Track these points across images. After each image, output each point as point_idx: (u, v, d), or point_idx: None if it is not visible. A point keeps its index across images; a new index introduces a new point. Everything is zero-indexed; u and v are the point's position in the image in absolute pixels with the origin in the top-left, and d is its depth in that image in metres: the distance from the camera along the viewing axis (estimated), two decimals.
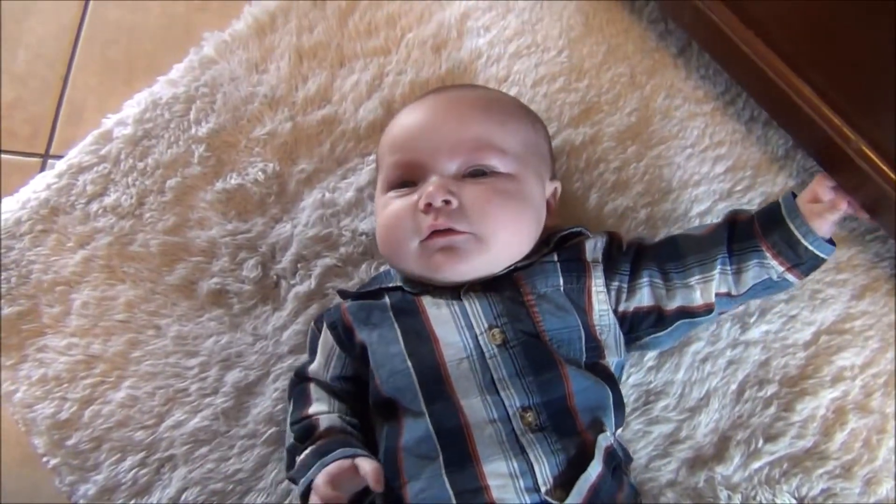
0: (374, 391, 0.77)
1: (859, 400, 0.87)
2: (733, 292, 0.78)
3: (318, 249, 0.96)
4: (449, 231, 0.75)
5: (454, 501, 0.69)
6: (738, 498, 0.84)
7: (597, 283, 0.78)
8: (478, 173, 0.78)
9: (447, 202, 0.75)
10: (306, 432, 0.77)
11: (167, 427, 0.92)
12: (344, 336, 0.80)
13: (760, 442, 0.86)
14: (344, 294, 0.86)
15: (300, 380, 0.84)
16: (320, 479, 0.70)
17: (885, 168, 0.69)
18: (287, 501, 0.89)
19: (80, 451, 0.92)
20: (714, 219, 0.92)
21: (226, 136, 1.01)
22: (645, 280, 0.79)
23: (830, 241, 0.76)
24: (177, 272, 0.97)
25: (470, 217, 0.75)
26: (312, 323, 0.87)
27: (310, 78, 1.02)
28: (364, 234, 0.96)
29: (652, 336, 0.81)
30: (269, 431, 0.91)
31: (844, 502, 0.84)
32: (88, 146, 1.02)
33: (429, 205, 0.75)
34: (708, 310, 0.78)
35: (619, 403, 0.77)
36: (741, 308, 0.89)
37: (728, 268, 0.77)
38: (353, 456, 0.71)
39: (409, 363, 0.74)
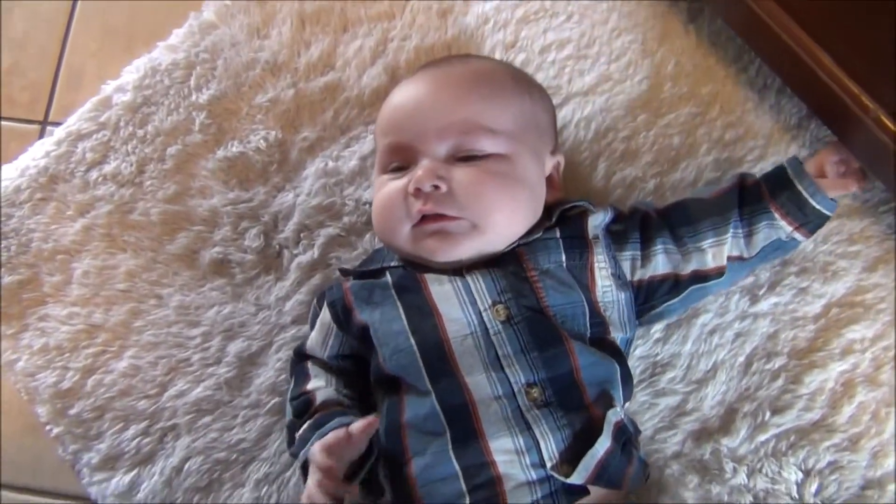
0: (375, 369, 0.76)
1: (868, 373, 0.86)
2: (745, 255, 0.79)
3: (321, 219, 0.95)
4: (439, 216, 0.74)
5: (461, 477, 0.68)
6: (743, 470, 0.84)
7: (598, 260, 0.77)
8: (471, 157, 0.75)
9: (436, 187, 0.73)
10: (304, 407, 0.77)
11: (170, 396, 0.92)
12: (342, 316, 0.79)
13: (767, 414, 0.85)
14: (345, 272, 0.85)
15: (299, 358, 0.84)
16: (316, 447, 0.70)
17: None
18: (290, 471, 0.89)
19: (82, 420, 0.92)
20: None
21: (227, 103, 0.99)
22: (659, 247, 0.78)
23: (834, 200, 0.79)
24: (178, 241, 0.96)
25: (460, 202, 0.73)
26: (315, 299, 0.86)
27: (312, 43, 1.00)
28: (368, 203, 0.94)
29: (666, 304, 0.80)
30: (272, 401, 0.90)
31: (851, 475, 0.83)
32: (87, 113, 1.01)
33: (419, 189, 0.74)
34: (719, 273, 0.78)
35: (627, 378, 0.76)
36: (750, 280, 0.88)
37: (740, 231, 0.78)
38: (348, 424, 0.70)
39: (413, 341, 0.73)
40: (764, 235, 0.78)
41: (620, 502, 0.72)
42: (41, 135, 1.05)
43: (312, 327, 0.83)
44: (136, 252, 0.96)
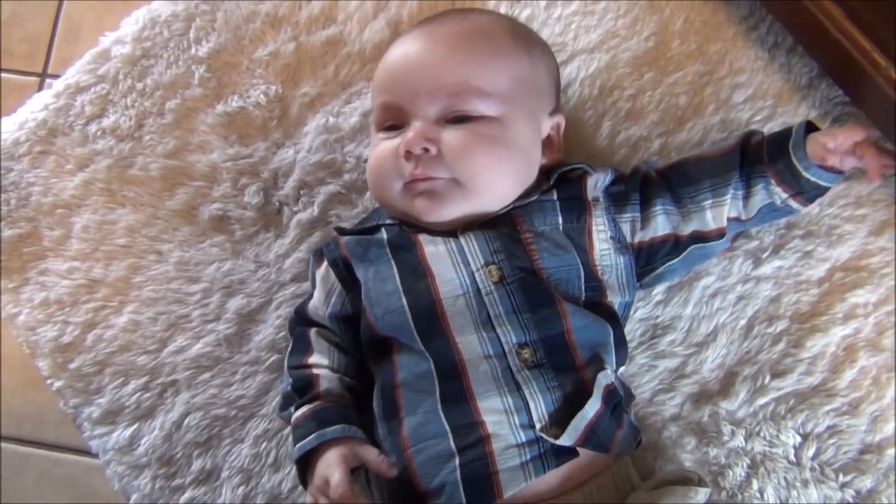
0: (366, 329, 0.76)
1: (871, 338, 0.85)
2: (742, 216, 0.78)
3: (322, 176, 0.94)
4: (427, 178, 0.74)
5: (450, 436, 0.69)
6: (741, 433, 0.84)
7: (597, 223, 0.76)
8: (463, 118, 0.74)
9: (426, 150, 0.73)
10: (305, 385, 0.77)
11: (169, 352, 0.92)
12: (346, 272, 0.79)
13: (767, 378, 0.84)
14: (342, 231, 0.84)
15: (301, 319, 0.83)
16: (330, 466, 0.70)
17: None
18: (289, 428, 0.89)
19: (83, 375, 0.93)
20: None
21: (227, 57, 0.98)
22: (658, 208, 0.77)
23: (841, 171, 0.76)
24: (177, 197, 0.95)
25: (449, 164, 0.73)
26: (311, 256, 0.85)
27: None
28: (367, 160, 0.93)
29: (667, 264, 0.79)
30: (272, 358, 0.90)
31: (849, 439, 0.83)
32: (86, 65, 0.99)
33: (409, 152, 0.73)
34: (720, 234, 0.77)
35: (621, 342, 0.76)
36: (755, 242, 0.87)
37: (739, 192, 0.77)
38: (353, 437, 0.71)
39: (405, 301, 0.73)
40: (760, 198, 0.77)
41: (609, 466, 0.72)
42: (40, 87, 1.04)
43: (313, 286, 0.83)
44: (135, 207, 0.96)
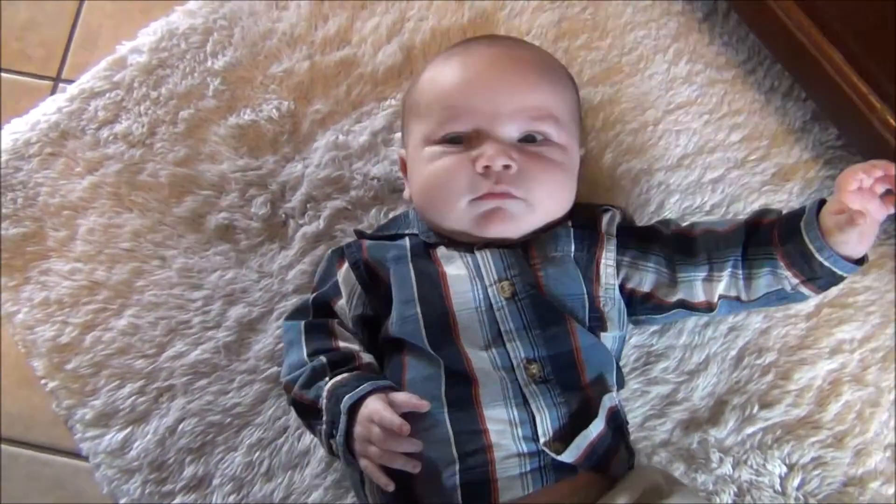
0: (384, 330, 0.77)
1: (856, 373, 0.88)
2: (743, 297, 0.77)
3: (329, 191, 0.96)
4: (503, 194, 0.75)
5: (452, 441, 0.69)
6: (729, 461, 0.86)
7: (607, 257, 0.78)
8: (530, 139, 0.78)
9: (507, 167, 0.75)
10: (344, 358, 0.75)
11: (168, 357, 0.92)
12: (366, 275, 0.80)
13: (756, 408, 0.87)
14: (361, 234, 0.86)
15: (318, 308, 0.81)
16: (375, 402, 0.68)
17: None
18: (283, 438, 0.89)
19: (79, 376, 0.93)
20: (726, 187, 0.92)
21: (242, 71, 1.00)
22: (651, 265, 0.79)
23: (861, 260, 0.72)
24: (185, 204, 0.97)
25: (525, 184, 0.75)
26: (329, 252, 0.86)
27: (330, 18, 1.01)
28: (376, 178, 0.95)
29: (647, 316, 0.82)
30: (270, 368, 0.91)
31: (833, 472, 0.85)
32: (102, 72, 1.01)
33: (488, 167, 0.74)
34: (709, 308, 0.78)
35: (619, 373, 0.78)
36: None
37: (739, 272, 0.75)
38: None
39: (419, 309, 0.74)
40: (766, 282, 0.74)
41: (602, 488, 0.71)
42: (53, 91, 1.06)
43: (322, 281, 0.83)
44: (142, 212, 0.97)
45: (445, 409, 0.70)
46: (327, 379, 0.73)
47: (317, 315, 0.81)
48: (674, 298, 0.78)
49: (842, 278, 0.73)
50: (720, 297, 0.77)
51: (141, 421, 0.91)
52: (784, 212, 0.77)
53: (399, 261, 0.78)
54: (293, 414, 0.88)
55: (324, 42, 1.00)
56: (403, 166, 0.87)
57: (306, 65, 1.00)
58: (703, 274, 0.77)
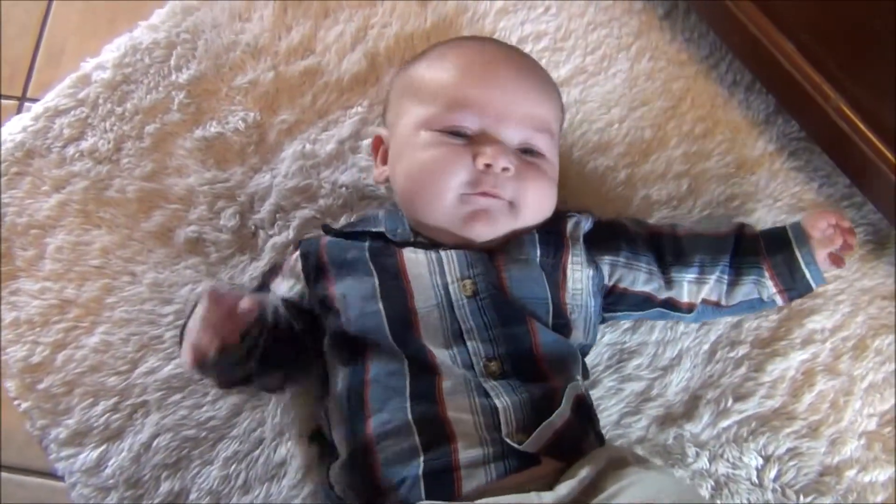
0: (336, 330, 0.76)
1: (828, 362, 0.88)
2: (722, 302, 0.81)
3: (298, 201, 0.95)
4: (494, 194, 0.76)
5: (416, 433, 0.68)
6: (705, 455, 0.86)
7: (573, 261, 0.78)
8: (527, 150, 0.78)
9: (506, 169, 0.75)
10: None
11: (140, 373, 0.92)
12: (313, 273, 0.79)
13: (730, 401, 0.87)
14: (327, 229, 0.85)
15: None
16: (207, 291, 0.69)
17: (862, 127, 0.70)
18: (258, 450, 0.89)
19: (51, 395, 0.92)
20: (692, 181, 0.93)
21: (206, 84, 1.00)
22: (643, 266, 0.80)
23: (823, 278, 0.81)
24: (153, 219, 0.96)
25: (517, 189, 0.76)
26: (291, 247, 0.86)
27: (293, 27, 1.01)
28: (344, 186, 0.95)
29: (625, 313, 0.83)
30: None
31: (809, 462, 0.85)
32: (66, 89, 1.00)
33: (488, 166, 0.75)
34: (689, 308, 0.81)
35: (584, 366, 0.78)
36: None
37: (726, 277, 0.80)
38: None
39: (381, 305, 0.74)
40: (747, 290, 0.80)
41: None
42: (19, 110, 1.05)
43: (275, 271, 0.84)
44: (110, 228, 0.96)
45: (408, 403, 0.70)
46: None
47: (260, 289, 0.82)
48: (663, 296, 0.80)
49: (810, 290, 0.81)
50: (702, 300, 0.80)
51: (115, 438, 0.90)
52: (759, 228, 0.85)
53: (358, 259, 0.78)
54: (269, 425, 0.88)
55: (288, 52, 1.00)
56: (377, 145, 0.86)
57: (271, 75, 1.00)
58: (692, 276, 0.79)
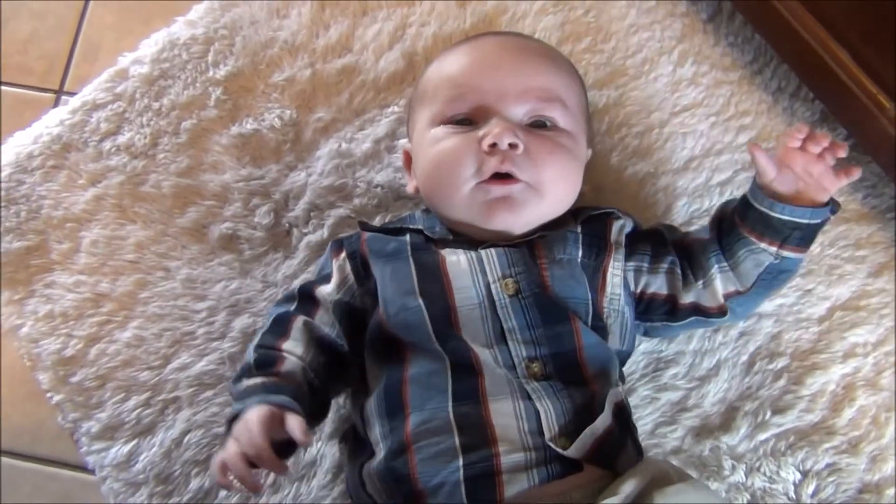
0: (375, 328, 0.75)
1: (870, 377, 0.86)
2: (740, 288, 0.77)
3: (332, 199, 0.95)
4: (509, 178, 0.74)
5: (456, 434, 0.67)
6: (742, 468, 0.84)
7: (614, 266, 0.77)
8: (539, 124, 0.77)
9: (513, 146, 0.73)
10: (268, 362, 0.74)
11: (173, 369, 0.92)
12: (361, 269, 0.78)
13: (768, 414, 0.85)
14: (364, 226, 0.84)
15: (299, 297, 0.79)
16: (253, 413, 0.66)
17: None
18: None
19: (84, 389, 0.92)
20: (734, 189, 0.91)
21: (243, 81, 1.00)
22: (666, 266, 0.78)
23: (829, 203, 0.73)
24: (188, 215, 0.96)
25: (533, 165, 0.74)
26: (330, 245, 0.84)
27: (332, 25, 1.00)
28: (379, 185, 0.95)
29: (664, 323, 0.80)
30: None
31: (848, 478, 0.83)
32: (104, 83, 1.01)
33: (493, 146, 0.73)
34: (720, 311, 0.78)
35: (621, 372, 0.77)
36: None
37: (724, 264, 0.76)
38: (291, 408, 0.67)
39: (421, 301, 0.73)
40: (752, 263, 0.75)
41: (609, 483, 0.68)
42: (55, 104, 1.05)
43: (319, 271, 0.82)
44: (145, 224, 0.96)
45: (450, 404, 0.68)
46: (244, 381, 0.72)
47: (301, 302, 0.79)
48: (687, 300, 0.78)
49: (811, 226, 0.73)
50: (724, 296, 0.77)
51: (147, 433, 0.90)
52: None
53: (398, 254, 0.77)
54: None
55: (325, 50, 1.00)
56: (407, 161, 0.86)
57: (308, 73, 0.99)
58: (701, 281, 0.77)
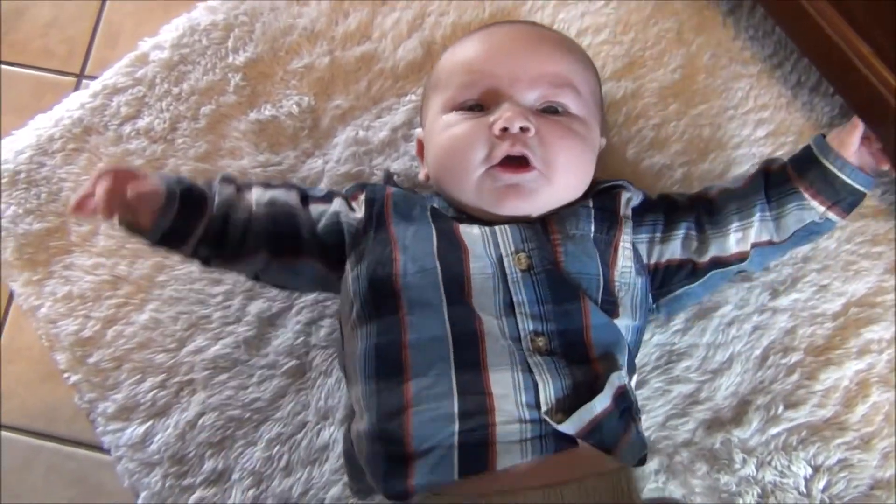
0: (380, 279, 0.73)
1: (884, 374, 0.86)
2: (775, 239, 0.78)
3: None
4: (520, 165, 0.74)
5: (456, 401, 0.67)
6: (753, 462, 0.84)
7: (625, 240, 0.77)
8: (551, 110, 0.77)
9: (525, 129, 0.74)
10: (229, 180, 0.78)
11: (188, 352, 0.93)
12: (375, 217, 0.77)
13: (780, 408, 0.85)
14: (389, 179, 0.85)
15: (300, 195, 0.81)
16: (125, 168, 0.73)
17: None
18: (301, 433, 0.89)
19: (101, 370, 0.93)
20: None
21: (262, 67, 1.00)
22: (680, 232, 0.78)
23: (868, 176, 0.77)
24: None
25: (545, 150, 0.74)
26: (346, 187, 0.85)
27: (351, 13, 1.01)
28: (396, 174, 0.95)
29: (684, 288, 0.80)
30: (289, 363, 0.91)
31: (860, 474, 0.83)
32: (124, 68, 1.02)
33: (504, 130, 0.74)
34: (740, 258, 0.78)
35: (631, 360, 0.76)
36: (772, 275, 0.88)
37: (768, 214, 0.77)
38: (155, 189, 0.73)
39: (438, 264, 0.72)
40: (795, 218, 0.77)
41: (609, 473, 0.69)
42: (76, 87, 1.06)
43: (329, 196, 0.82)
44: None
45: (452, 370, 0.68)
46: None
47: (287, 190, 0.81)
48: (706, 258, 0.78)
49: (862, 195, 0.77)
50: (753, 245, 0.78)
51: (162, 415, 0.91)
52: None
53: (421, 216, 0.76)
54: (312, 408, 0.90)
55: (344, 37, 1.00)
56: (420, 149, 0.86)
57: (326, 60, 0.99)
58: (735, 224, 0.78)
